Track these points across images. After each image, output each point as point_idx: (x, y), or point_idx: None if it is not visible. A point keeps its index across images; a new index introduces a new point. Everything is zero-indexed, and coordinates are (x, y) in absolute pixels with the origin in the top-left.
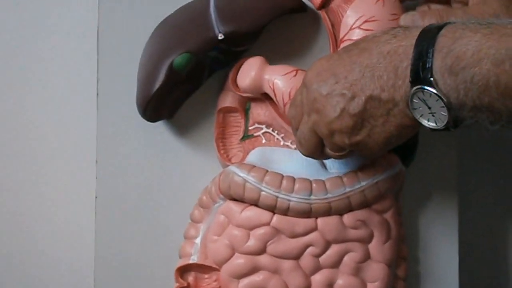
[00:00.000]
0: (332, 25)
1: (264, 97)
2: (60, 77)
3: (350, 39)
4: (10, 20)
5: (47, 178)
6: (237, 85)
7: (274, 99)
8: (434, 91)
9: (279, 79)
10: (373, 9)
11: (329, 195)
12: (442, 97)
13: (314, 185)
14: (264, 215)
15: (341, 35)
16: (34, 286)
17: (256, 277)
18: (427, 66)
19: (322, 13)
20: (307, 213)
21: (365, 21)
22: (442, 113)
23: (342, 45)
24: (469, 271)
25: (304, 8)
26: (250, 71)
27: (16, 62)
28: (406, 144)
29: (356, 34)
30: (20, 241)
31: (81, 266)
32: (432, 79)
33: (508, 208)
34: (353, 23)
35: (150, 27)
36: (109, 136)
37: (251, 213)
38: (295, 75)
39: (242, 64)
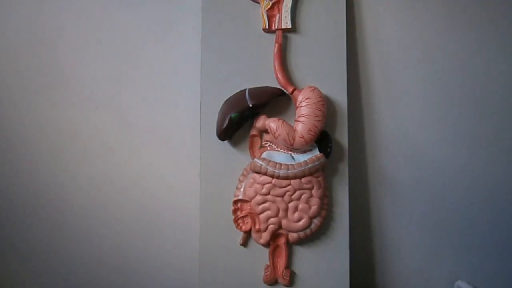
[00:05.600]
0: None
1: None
2: (170, 112)
3: (299, 111)
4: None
5: (160, 190)
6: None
7: (270, 131)
8: None
9: (272, 123)
10: (309, 94)
11: (296, 170)
12: None
13: (289, 165)
14: (269, 179)
15: (297, 107)
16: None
17: (265, 204)
18: None
19: (292, 96)
20: (287, 178)
21: (305, 99)
22: None
23: (297, 111)
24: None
25: (285, 94)
26: (260, 120)
27: (125, 96)
28: (327, 145)
29: (303, 107)
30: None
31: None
32: None
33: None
34: (300, 102)
35: (231, 90)
36: (209, 148)
37: (264, 178)
38: (279, 120)
39: (259, 117)
